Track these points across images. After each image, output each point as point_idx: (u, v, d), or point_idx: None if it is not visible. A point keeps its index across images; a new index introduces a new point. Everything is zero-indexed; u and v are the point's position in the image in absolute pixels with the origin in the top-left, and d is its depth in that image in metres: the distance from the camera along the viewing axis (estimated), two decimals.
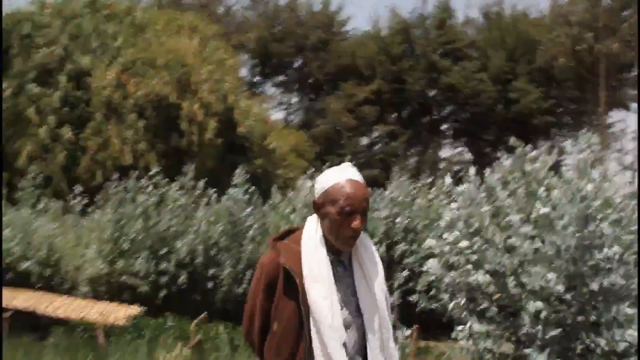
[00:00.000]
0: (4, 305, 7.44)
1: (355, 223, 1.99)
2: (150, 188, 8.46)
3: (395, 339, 2.38)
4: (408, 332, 6.34)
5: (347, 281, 2.09)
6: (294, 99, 37.67)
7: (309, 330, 2.00)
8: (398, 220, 7.41)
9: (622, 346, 4.31)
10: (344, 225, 2.00)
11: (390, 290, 7.09)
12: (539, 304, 4.24)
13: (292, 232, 2.21)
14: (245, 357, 6.41)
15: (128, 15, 19.47)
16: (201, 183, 8.81)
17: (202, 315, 8.03)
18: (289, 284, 2.04)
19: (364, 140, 34.15)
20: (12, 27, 17.21)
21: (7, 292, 7.98)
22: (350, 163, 2.15)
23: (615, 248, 4.26)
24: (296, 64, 36.50)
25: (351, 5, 58.35)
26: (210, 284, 8.23)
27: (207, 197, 8.77)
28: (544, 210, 4.66)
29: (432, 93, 33.55)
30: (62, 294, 8.61)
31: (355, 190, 2.01)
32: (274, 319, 2.06)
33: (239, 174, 8.78)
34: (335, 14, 36.77)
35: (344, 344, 1.99)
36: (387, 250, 7.20)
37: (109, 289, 8.57)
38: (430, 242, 5.82)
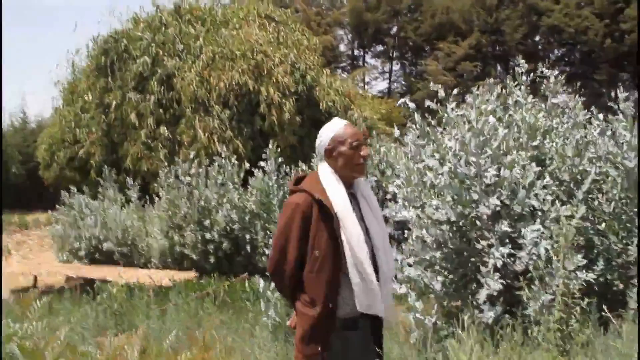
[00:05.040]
0: (87, 277, 9.22)
1: (365, 151, 2.56)
2: (193, 170, 9.78)
3: None
4: None
5: (357, 210, 2.59)
6: (395, 67, 37.79)
7: (343, 249, 2.45)
8: None
9: (519, 265, 4.62)
10: (355, 156, 2.53)
11: None
12: (424, 232, 4.69)
13: (302, 179, 2.67)
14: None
15: (210, 15, 21.22)
16: (234, 160, 9.90)
17: (243, 275, 9.21)
18: (323, 215, 2.46)
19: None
20: (113, 44, 19.67)
21: (89, 267, 9.81)
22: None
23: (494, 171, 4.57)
24: (392, 31, 36.51)
25: None
26: (248, 248, 9.37)
27: (242, 172, 9.86)
28: (449, 143, 5.07)
29: (535, 39, 31.80)
30: (140, 268, 10.31)
31: (354, 128, 2.59)
32: (313, 248, 2.46)
33: (270, 150, 9.71)
34: None
35: None
36: None
37: (173, 259, 10.06)
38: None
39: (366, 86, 36.21)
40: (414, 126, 5.94)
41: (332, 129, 2.59)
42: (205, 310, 5.01)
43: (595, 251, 5.28)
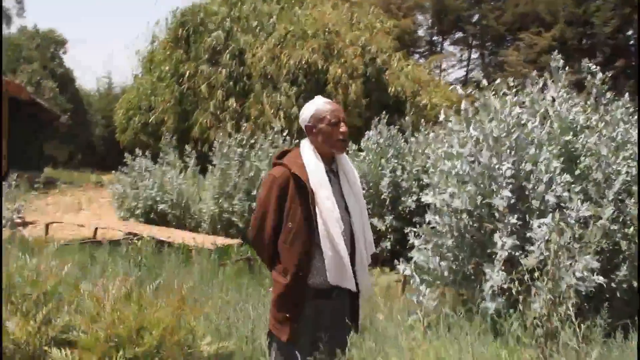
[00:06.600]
0: (138, 233, 9.78)
1: (343, 129, 2.62)
2: (244, 141, 10.15)
3: None
4: None
5: (337, 186, 2.67)
6: (474, 55, 36.78)
7: (317, 223, 2.53)
8: None
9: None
10: (334, 133, 2.60)
11: None
12: (437, 217, 4.72)
13: (286, 153, 2.76)
14: None
15: None
16: (286, 135, 10.18)
17: None
18: (299, 189, 2.55)
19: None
20: (191, 17, 20.40)
21: (143, 226, 10.40)
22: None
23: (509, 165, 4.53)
24: (474, 18, 35.49)
25: None
26: None
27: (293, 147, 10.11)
28: (474, 133, 5.06)
29: (627, 33, 29.95)
30: (190, 231, 10.81)
31: (333, 106, 2.66)
32: (287, 219, 2.55)
33: None
34: None
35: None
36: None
37: (222, 226, 10.48)
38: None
39: (442, 73, 35.59)
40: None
41: (313, 107, 2.66)
42: (225, 273, 5.32)
43: (621, 256, 5.13)
